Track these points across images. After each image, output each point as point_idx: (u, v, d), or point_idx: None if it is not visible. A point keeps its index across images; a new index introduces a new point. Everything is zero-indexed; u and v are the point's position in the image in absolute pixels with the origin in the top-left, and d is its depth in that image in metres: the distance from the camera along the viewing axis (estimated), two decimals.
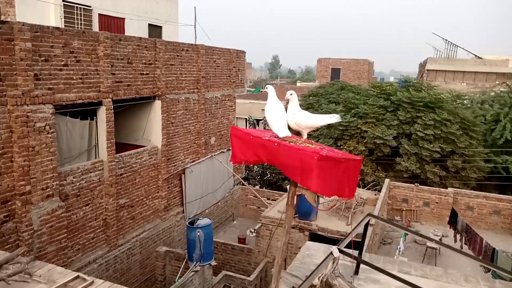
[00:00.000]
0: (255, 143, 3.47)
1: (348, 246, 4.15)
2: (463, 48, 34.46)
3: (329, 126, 19.96)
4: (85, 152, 9.48)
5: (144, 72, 10.60)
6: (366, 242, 5.95)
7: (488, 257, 11.13)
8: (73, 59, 8.46)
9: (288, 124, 3.64)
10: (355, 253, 4.26)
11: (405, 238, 12.96)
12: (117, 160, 9.98)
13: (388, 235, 14.63)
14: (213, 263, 9.93)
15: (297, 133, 3.78)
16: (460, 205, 15.54)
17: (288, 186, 3.68)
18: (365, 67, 43.74)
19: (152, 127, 11.44)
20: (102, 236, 9.77)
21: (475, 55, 33.38)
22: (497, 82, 27.51)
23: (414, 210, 15.97)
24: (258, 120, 27.37)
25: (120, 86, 9.78)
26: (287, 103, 3.72)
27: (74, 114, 9.19)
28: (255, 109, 28.34)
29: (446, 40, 34.15)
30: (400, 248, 11.65)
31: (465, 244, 12.60)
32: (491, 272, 10.88)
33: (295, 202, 3.63)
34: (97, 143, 9.58)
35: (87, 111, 9.36)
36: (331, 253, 3.86)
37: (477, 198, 15.47)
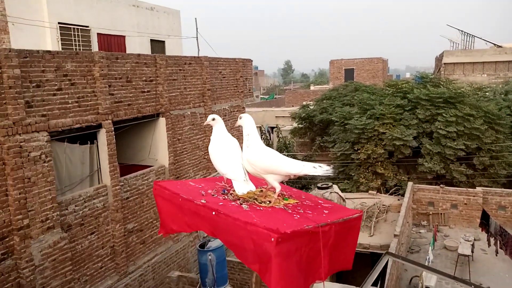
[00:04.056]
0: (185, 209, 2.47)
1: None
2: (480, 38, 33.16)
3: (344, 130, 19.22)
4: (87, 178, 9.07)
5: (145, 90, 10.17)
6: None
7: None
8: (67, 82, 8.07)
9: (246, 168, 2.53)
10: None
11: (434, 246, 12.10)
12: (122, 183, 9.53)
13: (415, 242, 13.77)
14: (228, 287, 9.34)
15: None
16: (491, 205, 14.56)
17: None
18: (379, 65, 42.71)
19: (158, 146, 10.99)
20: (111, 264, 9.31)
21: (494, 44, 32.03)
22: None
23: (441, 213, 15.06)
24: (272, 128, 26.79)
25: (120, 106, 9.37)
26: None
27: (72, 139, 8.79)
28: (269, 117, 27.81)
29: (462, 31, 32.93)
30: (429, 258, 10.82)
31: (501, 248, 11.67)
32: None
33: None
34: (99, 168, 9.16)
35: (86, 135, 8.96)
36: None
37: (509, 197, 14.46)
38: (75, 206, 8.34)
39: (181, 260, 11.64)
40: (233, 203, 2.41)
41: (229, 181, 2.70)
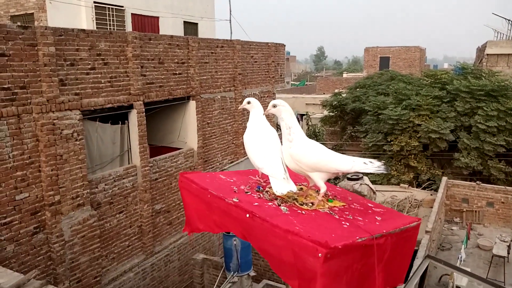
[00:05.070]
0: (214, 207, 2.18)
1: None
2: None
3: (378, 120, 18.66)
4: (117, 158, 9.17)
5: (177, 72, 10.12)
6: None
7: None
8: (100, 61, 8.10)
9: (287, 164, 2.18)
10: None
11: (466, 245, 11.62)
12: (151, 164, 9.59)
13: (447, 239, 13.29)
14: (252, 273, 9.28)
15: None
16: None
17: None
18: (417, 54, 41.13)
19: (188, 129, 10.97)
20: (138, 243, 9.45)
21: None
22: None
23: (476, 211, 14.44)
24: (302, 115, 26.40)
25: (152, 88, 9.36)
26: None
27: (104, 119, 8.88)
28: (299, 104, 27.43)
29: (508, 20, 31.08)
30: (461, 257, 10.39)
31: None
32: None
33: None
34: (130, 148, 9.23)
35: (118, 115, 9.02)
36: None
37: None
38: (105, 185, 8.46)
39: (206, 243, 11.71)
40: (270, 203, 2.08)
41: (264, 176, 2.40)
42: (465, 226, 13.83)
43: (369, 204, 2.30)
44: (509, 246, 11.64)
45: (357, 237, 1.77)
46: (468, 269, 10.36)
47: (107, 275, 8.63)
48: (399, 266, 2.02)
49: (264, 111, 2.35)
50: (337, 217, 1.97)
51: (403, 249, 2.03)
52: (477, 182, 14.67)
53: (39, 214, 7.22)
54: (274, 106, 2.28)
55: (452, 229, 14.05)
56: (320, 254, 1.64)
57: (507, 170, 15.55)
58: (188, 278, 10.90)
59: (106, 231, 8.57)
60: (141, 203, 9.32)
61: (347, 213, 2.06)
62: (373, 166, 2.10)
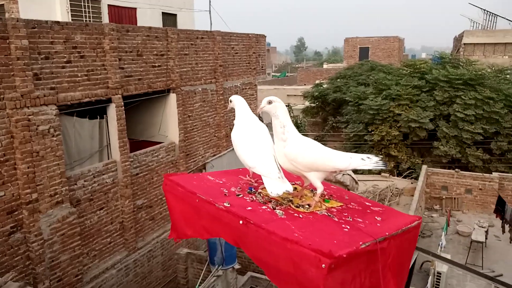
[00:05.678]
0: (203, 212, 2.01)
1: None
2: (504, 18, 31.87)
3: (358, 110, 18.81)
4: (96, 153, 8.96)
5: (156, 64, 9.90)
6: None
7: None
8: (76, 54, 7.84)
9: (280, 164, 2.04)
10: None
11: (446, 231, 11.87)
12: (132, 159, 9.41)
13: (427, 227, 13.55)
14: (237, 266, 9.27)
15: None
16: (508, 191, 14.22)
17: None
18: (395, 44, 41.58)
19: (168, 122, 10.79)
20: (120, 240, 9.29)
21: None
22: None
23: (455, 198, 14.78)
24: None
25: (130, 81, 9.14)
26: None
27: (82, 113, 8.63)
28: (280, 95, 27.37)
29: (484, 10, 31.64)
30: (441, 243, 10.62)
31: None
32: None
33: None
34: (109, 143, 9.02)
35: (96, 110, 8.79)
36: None
37: None
38: (84, 181, 8.26)
39: None
40: (264, 207, 1.93)
41: (255, 176, 2.27)
42: (445, 213, 14.15)
43: (367, 203, 2.19)
44: (486, 232, 11.96)
45: (361, 243, 1.65)
46: (449, 256, 10.62)
47: (89, 273, 8.46)
48: (401, 271, 1.91)
49: (258, 109, 2.23)
50: (336, 219, 1.85)
51: (405, 252, 1.92)
52: (456, 169, 14.99)
53: (16, 213, 7.00)
54: (270, 102, 2.11)
55: (432, 216, 14.35)
56: (323, 265, 1.50)
57: (484, 158, 15.93)
58: (172, 273, 10.81)
59: (86, 228, 8.39)
60: (122, 199, 9.14)
61: (346, 214, 1.94)
62: (371, 162, 2.01)
